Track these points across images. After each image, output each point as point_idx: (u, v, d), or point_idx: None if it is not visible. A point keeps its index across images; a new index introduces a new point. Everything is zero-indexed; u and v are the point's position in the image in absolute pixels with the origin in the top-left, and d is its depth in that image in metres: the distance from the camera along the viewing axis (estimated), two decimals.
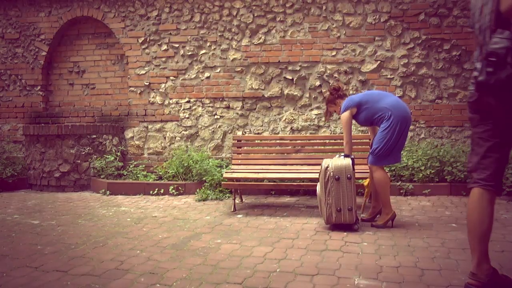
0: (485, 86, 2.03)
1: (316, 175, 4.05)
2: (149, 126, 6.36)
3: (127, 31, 6.35)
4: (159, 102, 6.31)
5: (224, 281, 2.58)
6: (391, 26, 5.76)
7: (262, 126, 6.07)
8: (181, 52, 6.23)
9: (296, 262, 2.91)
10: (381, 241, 3.35)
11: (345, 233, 3.58)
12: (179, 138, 6.27)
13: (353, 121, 3.98)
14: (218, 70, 6.15)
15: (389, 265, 2.82)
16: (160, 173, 5.96)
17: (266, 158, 4.99)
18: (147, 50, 6.31)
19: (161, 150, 6.32)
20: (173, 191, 5.45)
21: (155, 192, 5.50)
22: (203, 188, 5.32)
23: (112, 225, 4.03)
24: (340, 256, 3.00)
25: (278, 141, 5.10)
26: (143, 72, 6.34)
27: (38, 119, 6.71)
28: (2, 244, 3.46)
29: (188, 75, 6.23)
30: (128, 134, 6.43)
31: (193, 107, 6.23)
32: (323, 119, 5.88)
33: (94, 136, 6.04)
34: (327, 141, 5.01)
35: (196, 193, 5.30)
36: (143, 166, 6.19)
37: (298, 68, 5.95)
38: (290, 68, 5.97)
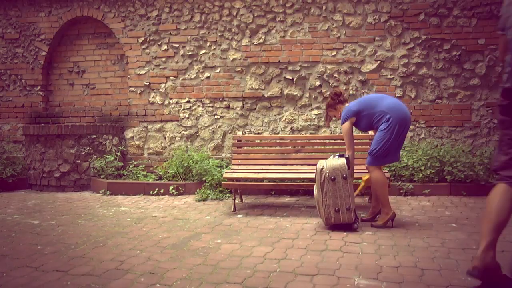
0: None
1: None
2: (149, 126, 6.36)
3: (127, 31, 6.35)
4: (159, 102, 6.31)
5: (224, 281, 2.58)
6: (391, 26, 5.76)
7: (262, 126, 6.07)
8: (181, 52, 6.23)
9: (296, 262, 2.91)
10: (381, 241, 3.35)
11: (345, 233, 3.58)
12: (179, 138, 6.27)
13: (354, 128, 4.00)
14: (218, 70, 6.15)
15: (389, 265, 2.82)
16: (160, 173, 5.96)
17: (266, 158, 4.99)
18: (147, 50, 6.31)
19: (161, 150, 6.32)
20: (173, 191, 5.45)
21: (155, 192, 5.50)
22: (203, 188, 5.32)
23: (112, 225, 4.03)
24: (340, 256, 3.00)
25: (278, 141, 5.10)
26: (143, 72, 6.34)
27: (38, 119, 6.71)
28: (2, 244, 3.46)
29: (188, 75, 6.23)
30: (128, 134, 6.43)
31: (193, 107, 6.23)
32: (323, 119, 5.88)
33: (94, 136, 6.04)
34: (327, 141, 5.02)
35: (196, 193, 5.30)
36: (143, 166, 6.19)
37: (298, 68, 5.95)
38: (290, 68, 5.97)
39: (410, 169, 5.21)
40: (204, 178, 5.38)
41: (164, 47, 6.25)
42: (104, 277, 2.69)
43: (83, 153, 5.96)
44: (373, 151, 3.72)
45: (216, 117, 6.17)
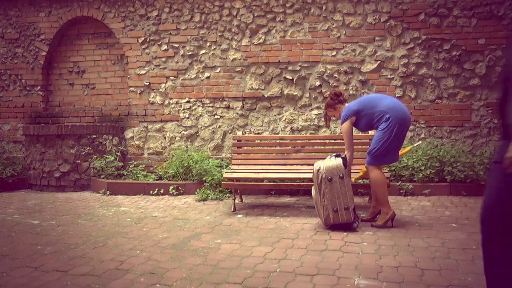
0: None
1: None
2: (149, 126, 6.36)
3: (127, 31, 6.35)
4: (159, 102, 6.31)
5: (224, 281, 2.58)
6: (391, 26, 5.76)
7: (262, 126, 6.07)
8: (181, 52, 6.23)
9: (296, 262, 2.91)
10: (381, 241, 3.35)
11: (345, 233, 3.58)
12: (179, 138, 6.27)
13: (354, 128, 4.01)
14: (218, 70, 6.15)
15: (389, 265, 2.82)
16: (160, 173, 5.96)
17: (266, 158, 4.99)
18: (147, 50, 6.31)
19: (161, 150, 6.32)
20: (173, 191, 5.45)
21: (155, 192, 5.50)
22: (203, 188, 5.32)
23: (112, 225, 4.03)
24: (340, 256, 3.00)
25: (278, 141, 5.10)
26: (143, 72, 6.34)
27: (38, 119, 6.71)
28: (2, 244, 3.46)
29: (188, 75, 6.23)
30: (128, 134, 6.43)
31: (193, 107, 6.22)
32: (323, 119, 5.87)
33: (94, 136, 6.04)
34: (327, 141, 5.02)
35: (196, 193, 5.30)
36: (143, 166, 6.19)
37: (298, 68, 5.95)
38: (290, 68, 5.97)
39: (410, 169, 5.21)
40: (204, 178, 5.38)
41: (164, 47, 6.25)
42: (104, 277, 2.69)
43: (83, 153, 5.96)
44: (372, 151, 3.73)
45: (216, 117, 6.17)
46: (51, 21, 6.57)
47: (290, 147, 4.99)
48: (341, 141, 4.62)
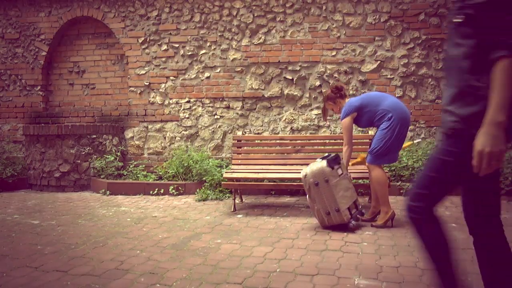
0: None
1: None
2: (149, 126, 6.36)
3: (127, 31, 6.35)
4: (159, 102, 6.31)
5: (224, 281, 2.58)
6: (391, 26, 5.76)
7: (262, 126, 6.07)
8: (181, 52, 6.23)
9: (296, 262, 2.91)
10: (381, 241, 3.35)
11: (345, 233, 3.58)
12: (179, 138, 6.27)
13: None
14: (218, 70, 6.15)
15: (389, 265, 2.82)
16: (160, 173, 5.96)
17: (266, 158, 4.99)
18: (147, 50, 6.31)
19: (161, 150, 6.32)
20: (173, 191, 5.45)
21: (155, 192, 5.50)
22: (203, 188, 5.32)
23: (112, 225, 4.03)
24: (340, 256, 3.00)
25: (278, 141, 5.10)
26: (143, 72, 6.34)
27: (38, 119, 6.71)
28: (2, 244, 3.46)
29: (188, 75, 6.23)
30: (128, 134, 6.43)
31: (193, 107, 6.22)
32: (323, 119, 5.88)
33: (94, 136, 6.04)
34: (327, 141, 5.01)
35: (196, 193, 5.30)
36: (143, 166, 6.19)
37: (298, 68, 5.95)
38: (290, 68, 5.97)
39: (410, 169, 5.21)
40: (204, 178, 5.38)
41: (164, 47, 6.25)
42: (104, 277, 2.69)
43: (83, 153, 5.96)
44: (374, 150, 3.72)
45: (216, 117, 6.17)
46: (51, 21, 6.57)
47: (290, 147, 4.99)
48: (341, 141, 4.61)
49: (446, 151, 1.67)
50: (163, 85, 6.29)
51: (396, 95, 5.70)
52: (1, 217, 4.41)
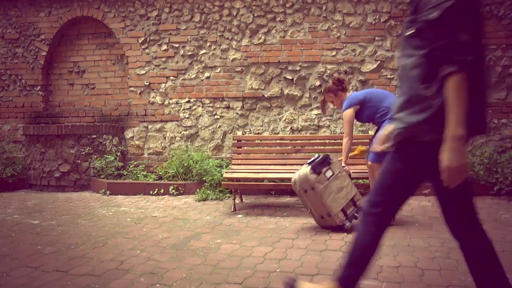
0: None
1: None
2: (149, 126, 6.36)
3: (127, 31, 6.35)
4: (159, 102, 6.31)
5: (224, 281, 2.58)
6: (391, 26, 5.76)
7: (262, 126, 6.07)
8: (181, 52, 6.23)
9: (296, 262, 2.91)
10: (381, 241, 3.34)
11: (345, 233, 3.58)
12: (179, 138, 6.27)
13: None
14: (218, 70, 6.15)
15: (389, 265, 2.82)
16: (160, 173, 5.96)
17: (266, 158, 4.99)
18: (147, 50, 6.31)
19: (161, 150, 6.32)
20: (173, 191, 5.45)
21: (155, 192, 5.50)
22: (203, 188, 5.32)
23: (112, 225, 4.03)
24: (340, 256, 2.99)
25: (278, 141, 5.10)
26: (143, 72, 6.34)
27: (38, 119, 6.71)
28: (2, 244, 3.46)
29: (188, 75, 6.23)
30: (128, 134, 6.43)
31: (193, 107, 6.22)
32: (323, 119, 5.89)
33: (94, 136, 6.04)
34: (327, 141, 5.01)
35: (196, 193, 5.30)
36: (143, 166, 6.19)
37: (298, 68, 5.95)
38: (290, 68, 5.97)
39: None
40: (204, 178, 5.38)
41: (164, 47, 6.25)
42: (104, 277, 2.69)
43: (83, 153, 5.96)
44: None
45: (216, 117, 6.17)
46: (51, 21, 6.57)
47: (290, 147, 4.99)
48: (341, 141, 4.60)
49: (394, 159, 1.76)
50: (163, 85, 6.29)
51: (396, 95, 5.69)
52: (1, 217, 4.41)
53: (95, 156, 6.00)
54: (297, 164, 4.78)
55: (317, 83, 5.91)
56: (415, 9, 1.65)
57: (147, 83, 6.33)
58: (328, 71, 5.88)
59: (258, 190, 5.36)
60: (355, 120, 3.96)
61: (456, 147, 1.51)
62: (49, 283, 2.61)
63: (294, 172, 4.53)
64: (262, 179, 4.85)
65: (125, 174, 6.04)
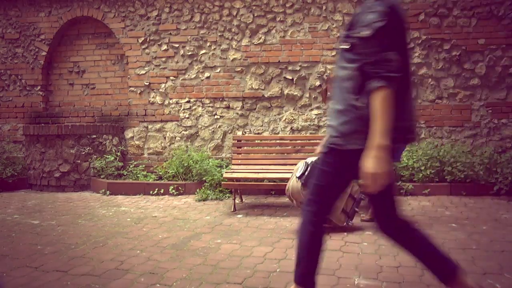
0: None
1: None
2: (149, 126, 6.36)
3: (127, 31, 6.35)
4: (159, 102, 6.31)
5: (224, 281, 2.58)
6: None
7: (262, 126, 6.07)
8: (181, 52, 6.23)
9: None
10: (381, 241, 3.35)
11: (345, 233, 3.58)
12: (179, 138, 6.27)
13: None
14: (218, 70, 6.15)
15: (389, 265, 2.82)
16: (160, 173, 5.96)
17: (266, 158, 4.99)
18: (147, 50, 6.31)
19: (161, 150, 6.32)
20: (173, 191, 5.45)
21: (155, 192, 5.50)
22: (203, 188, 5.32)
23: (112, 225, 4.03)
24: (340, 256, 3.00)
25: (278, 141, 5.10)
26: (143, 72, 6.34)
27: (38, 119, 6.71)
28: (2, 244, 3.46)
29: (188, 75, 6.23)
30: (128, 134, 6.43)
31: (193, 107, 6.23)
32: (323, 119, 5.89)
33: (94, 136, 6.04)
34: None
35: (196, 193, 5.30)
36: (143, 166, 6.19)
37: (298, 68, 5.95)
38: (290, 68, 5.97)
39: (410, 169, 5.21)
40: (204, 178, 5.38)
41: (164, 47, 6.25)
42: (104, 277, 2.69)
43: (83, 153, 5.96)
44: None
45: (216, 117, 6.17)
46: (51, 21, 6.57)
47: (290, 147, 4.99)
48: None
49: (326, 163, 1.88)
50: (163, 85, 6.29)
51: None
52: (1, 217, 4.41)
53: (95, 156, 6.00)
54: (297, 164, 4.78)
55: (317, 83, 5.91)
56: (351, 25, 1.77)
57: (147, 83, 6.33)
58: (328, 71, 5.87)
59: (258, 190, 5.36)
60: None
61: (380, 155, 1.63)
62: (49, 283, 2.61)
63: None
64: (262, 179, 4.85)
65: (125, 174, 6.04)
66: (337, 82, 1.83)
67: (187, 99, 6.24)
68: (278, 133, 6.02)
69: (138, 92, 6.37)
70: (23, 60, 6.70)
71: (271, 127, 6.04)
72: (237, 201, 4.84)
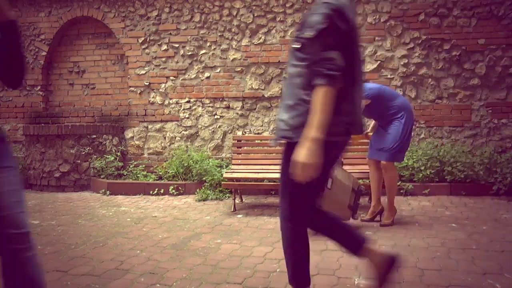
0: None
1: None
2: (149, 126, 6.36)
3: (127, 31, 6.35)
4: (159, 102, 6.31)
5: (224, 281, 2.58)
6: (391, 26, 5.76)
7: (262, 126, 6.07)
8: (181, 52, 6.23)
9: None
10: (381, 241, 3.35)
11: None
12: (179, 138, 6.27)
13: None
14: (218, 70, 6.15)
15: None
16: (160, 173, 5.96)
17: (266, 158, 4.99)
18: (147, 50, 6.31)
19: (161, 150, 6.32)
20: (173, 191, 5.45)
21: (155, 192, 5.50)
22: (203, 188, 5.32)
23: (112, 225, 4.03)
24: (340, 256, 2.99)
25: None
26: (143, 72, 6.34)
27: (38, 119, 6.71)
28: None
29: (188, 75, 6.23)
30: (128, 134, 6.43)
31: (193, 107, 6.23)
32: None
33: (94, 136, 6.04)
34: None
35: (196, 193, 5.30)
36: (143, 166, 6.19)
37: None
38: None
39: (410, 169, 5.21)
40: (204, 178, 5.38)
41: (164, 47, 6.25)
42: (104, 277, 2.69)
43: (83, 153, 5.96)
44: (393, 146, 3.68)
45: (216, 117, 6.17)
46: (51, 21, 6.57)
47: None
48: None
49: (283, 157, 2.01)
50: (163, 85, 6.29)
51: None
52: None
53: (95, 156, 6.00)
54: None
55: None
56: (301, 26, 1.87)
57: (147, 83, 6.33)
58: None
59: (258, 190, 5.36)
60: None
61: (313, 147, 1.72)
62: (49, 283, 2.61)
63: None
64: (262, 179, 4.85)
65: (125, 174, 6.04)
66: (288, 79, 1.92)
67: (187, 99, 6.24)
68: None
69: (138, 92, 6.37)
70: None
71: (271, 127, 6.04)
72: (237, 201, 4.84)
